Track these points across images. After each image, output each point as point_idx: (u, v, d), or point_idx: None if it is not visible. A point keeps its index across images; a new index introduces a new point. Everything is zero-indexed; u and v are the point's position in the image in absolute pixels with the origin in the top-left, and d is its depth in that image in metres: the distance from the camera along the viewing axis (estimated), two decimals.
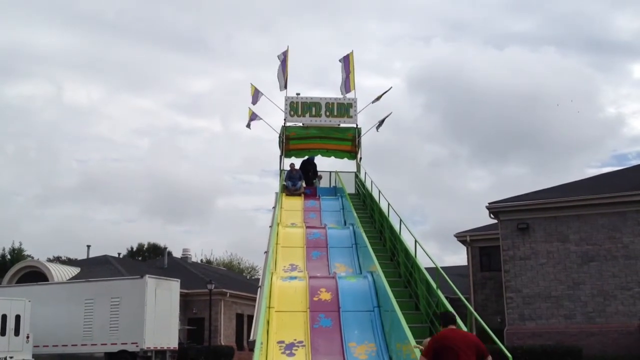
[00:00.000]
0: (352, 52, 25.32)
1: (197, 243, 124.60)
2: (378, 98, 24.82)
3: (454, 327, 7.79)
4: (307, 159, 24.12)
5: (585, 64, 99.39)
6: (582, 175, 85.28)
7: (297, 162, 24.08)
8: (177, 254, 54.71)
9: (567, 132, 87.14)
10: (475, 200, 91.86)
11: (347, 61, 25.28)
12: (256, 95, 24.82)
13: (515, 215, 26.95)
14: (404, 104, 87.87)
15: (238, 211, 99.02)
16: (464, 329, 8.44)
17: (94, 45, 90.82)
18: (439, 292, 10.32)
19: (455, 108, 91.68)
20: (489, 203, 27.66)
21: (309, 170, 23.59)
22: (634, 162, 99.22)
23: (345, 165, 25.10)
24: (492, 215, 27.85)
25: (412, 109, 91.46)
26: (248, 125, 24.89)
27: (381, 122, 24.60)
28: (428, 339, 8.41)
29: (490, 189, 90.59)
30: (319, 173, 24.11)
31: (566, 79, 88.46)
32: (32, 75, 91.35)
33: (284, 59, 25.08)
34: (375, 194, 18.68)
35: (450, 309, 9.00)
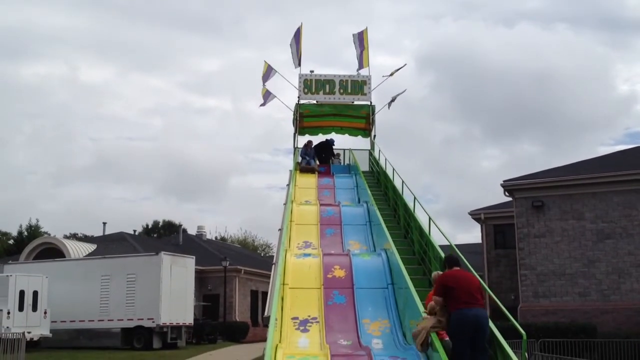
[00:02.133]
0: (366, 29, 25.16)
1: (212, 221, 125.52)
2: (392, 74, 24.69)
3: (458, 268, 8.46)
4: (325, 142, 23.96)
5: (598, 41, 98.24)
6: (594, 154, 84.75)
7: (311, 139, 24.03)
8: (192, 231, 55.07)
9: (580, 110, 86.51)
10: (488, 179, 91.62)
11: (361, 38, 25.12)
12: (268, 72, 24.68)
13: (530, 193, 26.83)
14: (414, 83, 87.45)
15: (251, 189, 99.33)
16: (472, 271, 9.04)
17: (105, 26, 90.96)
18: None
19: (466, 87, 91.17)
20: (504, 181, 27.54)
21: (323, 153, 23.50)
22: None
23: (359, 142, 25.08)
24: (506, 193, 27.74)
25: (422, 87, 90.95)
26: (263, 104, 24.73)
27: (394, 99, 24.45)
28: (436, 273, 9.52)
29: (502, 168, 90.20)
30: (335, 153, 24.05)
31: (579, 56, 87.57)
32: (45, 55, 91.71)
33: (297, 36, 24.93)
34: (389, 172, 18.65)
35: None
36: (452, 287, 8.03)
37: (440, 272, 9.17)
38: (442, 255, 11.24)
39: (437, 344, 7.94)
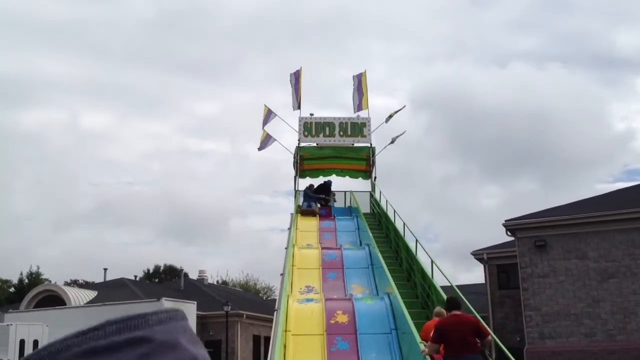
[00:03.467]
0: (364, 72, 25.39)
1: (213, 264, 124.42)
2: (391, 116, 24.84)
3: (458, 312, 8.85)
4: (324, 183, 23.96)
5: (592, 80, 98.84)
6: (593, 191, 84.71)
7: (312, 182, 24.05)
8: (193, 275, 54.66)
9: (576, 148, 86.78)
10: (487, 217, 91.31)
11: (359, 80, 25.34)
12: (268, 116, 24.79)
13: (532, 232, 26.73)
14: (410, 123, 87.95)
15: (252, 232, 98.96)
16: (474, 313, 9.55)
17: (103, 71, 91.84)
18: None
19: (461, 126, 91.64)
20: (506, 220, 27.46)
21: (323, 194, 23.47)
22: None
23: (359, 185, 25.08)
24: (508, 233, 27.64)
25: (418, 127, 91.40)
26: (261, 148, 24.73)
27: (393, 140, 24.53)
28: (438, 308, 10.01)
29: (501, 206, 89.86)
30: (332, 192, 24.01)
31: (573, 94, 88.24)
32: (44, 101, 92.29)
33: (297, 79, 25.14)
34: (390, 214, 18.61)
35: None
36: (447, 335, 8.46)
37: (443, 309, 9.60)
38: (445, 297, 11.15)
39: None
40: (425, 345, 8.89)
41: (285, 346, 10.50)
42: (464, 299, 10.42)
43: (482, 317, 10.13)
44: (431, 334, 8.78)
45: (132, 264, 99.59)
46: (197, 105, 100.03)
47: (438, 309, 10.11)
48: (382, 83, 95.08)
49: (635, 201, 26.46)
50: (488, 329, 8.75)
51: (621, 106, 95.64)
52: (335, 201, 23.81)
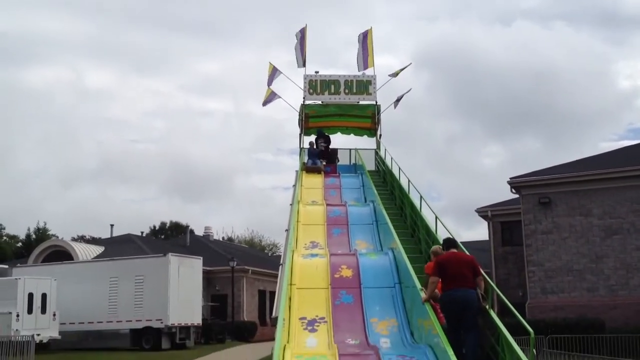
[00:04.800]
0: (370, 29, 25.13)
1: (217, 221, 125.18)
2: (397, 73, 24.70)
3: (454, 250, 9.50)
4: (318, 134, 23.75)
5: (597, 38, 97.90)
6: (596, 149, 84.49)
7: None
8: (199, 232, 55.17)
9: (581, 107, 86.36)
10: (490, 176, 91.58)
11: (365, 38, 25.11)
12: (273, 74, 24.64)
13: (537, 189, 26.80)
14: (413, 82, 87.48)
15: (256, 190, 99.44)
16: (465, 252, 9.86)
17: (107, 30, 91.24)
18: None
19: (464, 85, 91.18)
20: (511, 178, 27.53)
21: (323, 143, 23.35)
22: None
23: (364, 142, 25.06)
24: (513, 190, 27.72)
25: (421, 86, 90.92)
26: (265, 104, 24.66)
27: (399, 98, 24.43)
28: (436, 247, 10.69)
29: (504, 164, 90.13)
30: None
31: (578, 53, 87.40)
32: (48, 60, 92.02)
33: (302, 36, 24.92)
34: (395, 171, 18.66)
35: None
36: (447, 269, 9.02)
37: (440, 247, 10.31)
38: None
39: (439, 330, 8.20)
40: (424, 292, 9.29)
41: (290, 299, 10.68)
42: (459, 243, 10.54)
43: (486, 273, 10.27)
44: (432, 268, 9.39)
45: (137, 220, 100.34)
46: (200, 64, 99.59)
47: (435, 247, 10.77)
48: (386, 42, 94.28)
49: (638, 158, 26.44)
50: (481, 270, 9.35)
51: (626, 64, 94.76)
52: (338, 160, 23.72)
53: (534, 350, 7.76)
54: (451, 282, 8.91)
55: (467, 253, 9.86)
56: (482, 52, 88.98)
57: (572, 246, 25.81)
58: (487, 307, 9.04)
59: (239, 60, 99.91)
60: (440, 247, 10.29)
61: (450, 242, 9.77)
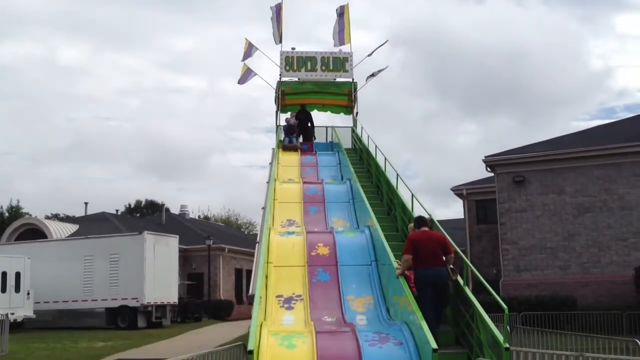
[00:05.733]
0: (347, 4, 24.96)
1: (193, 200, 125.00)
2: (373, 52, 24.58)
3: (426, 228, 9.70)
4: (301, 108, 23.62)
5: (571, 17, 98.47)
6: (569, 129, 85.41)
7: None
8: (175, 210, 54.96)
9: (553, 86, 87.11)
10: (464, 154, 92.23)
11: (342, 13, 24.94)
12: (249, 50, 24.37)
13: (512, 168, 27.03)
14: (388, 60, 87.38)
15: (231, 168, 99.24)
16: (440, 230, 10.21)
17: (78, 4, 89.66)
18: None
19: (438, 64, 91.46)
20: (486, 156, 27.70)
21: (305, 120, 23.25)
22: (622, 115, 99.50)
23: (341, 120, 25.00)
24: (488, 169, 27.92)
25: (395, 64, 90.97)
26: (241, 82, 24.41)
27: (374, 74, 24.21)
28: (412, 225, 10.67)
29: (479, 143, 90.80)
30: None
31: (551, 32, 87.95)
32: (18, 34, 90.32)
33: (278, 12, 24.68)
34: (371, 149, 18.66)
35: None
36: (419, 247, 9.27)
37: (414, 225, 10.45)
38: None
39: (415, 307, 8.31)
40: (398, 264, 9.54)
41: (267, 277, 10.68)
42: (444, 233, 10.60)
43: (461, 251, 10.35)
44: (405, 247, 9.61)
45: (112, 199, 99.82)
46: (173, 40, 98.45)
47: (411, 225, 10.93)
48: (360, 19, 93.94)
49: (612, 137, 26.76)
50: (454, 245, 9.65)
51: (598, 44, 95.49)
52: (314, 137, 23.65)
53: (507, 326, 7.84)
54: (423, 260, 9.20)
55: (441, 230, 10.08)
56: (456, 30, 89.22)
57: (545, 224, 26.12)
58: (457, 278, 9.35)
59: (214, 36, 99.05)
60: (412, 225, 10.52)
61: (421, 221, 9.91)
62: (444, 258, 9.32)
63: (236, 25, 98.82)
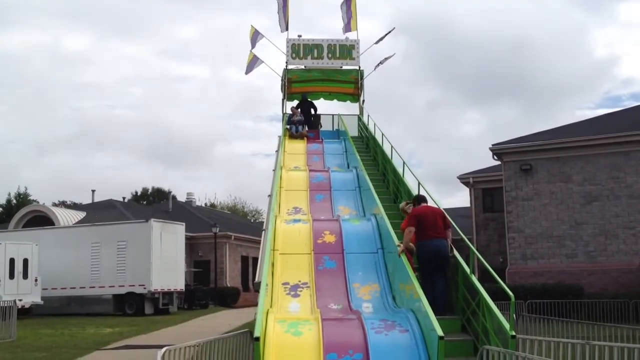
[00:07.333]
0: None
1: (199, 187, 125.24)
2: (381, 39, 24.50)
3: (425, 204, 10.53)
4: (302, 98, 23.53)
5: (575, 5, 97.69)
6: (573, 118, 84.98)
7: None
8: (181, 198, 55.07)
9: (558, 75, 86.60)
10: (469, 143, 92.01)
11: (348, 1, 24.83)
12: (255, 37, 24.31)
13: (519, 156, 26.94)
14: (393, 49, 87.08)
15: (236, 156, 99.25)
16: (437, 205, 10.90)
17: None
18: None
19: (442, 53, 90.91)
20: (493, 145, 27.63)
21: (307, 109, 23.17)
22: (628, 104, 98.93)
23: (347, 108, 24.95)
24: (495, 157, 27.83)
25: (401, 53, 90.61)
26: (248, 71, 24.30)
27: (382, 62, 24.16)
28: (404, 203, 11.93)
29: (483, 132, 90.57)
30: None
31: (555, 21, 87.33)
32: (22, 24, 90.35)
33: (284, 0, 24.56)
34: (378, 137, 18.63)
35: None
36: (422, 220, 9.85)
37: (408, 201, 11.61)
38: None
39: (421, 295, 8.32)
40: (400, 244, 9.90)
41: (273, 264, 10.70)
42: (451, 221, 10.60)
43: (468, 240, 10.35)
44: (408, 219, 10.27)
45: (118, 187, 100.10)
46: (176, 28, 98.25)
47: (403, 203, 12.03)
48: (363, 7, 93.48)
49: (620, 125, 26.64)
50: (451, 221, 10.24)
51: (603, 32, 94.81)
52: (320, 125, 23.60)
53: (513, 314, 7.84)
54: (426, 232, 9.77)
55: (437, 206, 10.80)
56: (460, 18, 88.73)
57: (552, 212, 26.06)
58: (455, 253, 9.90)
59: (218, 25, 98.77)
60: (406, 203, 11.65)
61: (421, 198, 10.87)
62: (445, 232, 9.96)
63: (240, 14, 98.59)
